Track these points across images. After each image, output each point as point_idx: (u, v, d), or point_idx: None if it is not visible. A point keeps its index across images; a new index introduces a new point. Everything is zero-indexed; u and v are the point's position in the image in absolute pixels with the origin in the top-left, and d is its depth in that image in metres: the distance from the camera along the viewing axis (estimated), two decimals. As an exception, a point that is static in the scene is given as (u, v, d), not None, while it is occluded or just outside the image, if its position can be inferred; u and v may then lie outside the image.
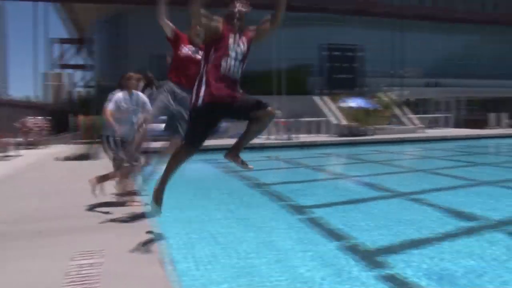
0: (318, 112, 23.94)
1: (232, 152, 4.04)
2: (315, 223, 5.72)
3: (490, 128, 27.48)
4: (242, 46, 3.88)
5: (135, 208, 5.55)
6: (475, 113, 33.65)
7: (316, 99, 25.39)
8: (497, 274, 3.94)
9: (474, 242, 4.87)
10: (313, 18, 31.40)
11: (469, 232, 5.28)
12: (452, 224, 5.63)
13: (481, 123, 28.44)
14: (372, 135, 22.06)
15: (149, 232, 4.49)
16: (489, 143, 21.24)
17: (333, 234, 5.19)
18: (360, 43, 29.15)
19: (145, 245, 4.01)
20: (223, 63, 3.79)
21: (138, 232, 4.48)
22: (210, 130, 3.95)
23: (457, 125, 29.57)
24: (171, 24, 4.95)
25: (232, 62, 3.83)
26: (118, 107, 5.68)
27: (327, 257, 4.42)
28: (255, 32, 4.03)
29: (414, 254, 4.44)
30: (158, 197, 4.06)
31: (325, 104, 25.13)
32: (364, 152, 17.71)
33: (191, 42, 4.92)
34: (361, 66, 29.01)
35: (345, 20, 31.92)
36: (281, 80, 23.62)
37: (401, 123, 25.17)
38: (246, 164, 4.01)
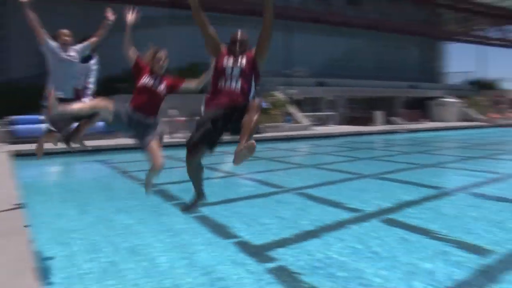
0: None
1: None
2: (204, 221, 6.13)
3: (374, 125, 30.26)
4: (242, 64, 4.13)
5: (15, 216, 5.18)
6: (358, 111, 36.70)
7: (212, 97, 25.82)
8: (376, 264, 4.71)
9: (355, 232, 5.56)
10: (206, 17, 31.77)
11: (349, 222, 6.02)
12: (335, 215, 6.39)
13: (365, 120, 31.18)
14: (262, 133, 23.16)
15: (23, 241, 4.23)
16: (370, 139, 23.48)
17: (222, 231, 5.70)
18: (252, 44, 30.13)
19: (19, 255, 3.80)
20: (220, 81, 4.16)
21: (12, 241, 4.22)
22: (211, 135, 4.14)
23: (342, 122, 32.07)
24: (133, 54, 4.97)
25: (228, 79, 4.12)
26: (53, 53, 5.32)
27: (217, 251, 4.94)
28: (256, 47, 4.24)
29: (298, 247, 4.99)
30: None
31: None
32: (258, 149, 18.56)
33: (152, 72, 4.92)
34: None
35: (236, 19, 32.81)
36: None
37: (295, 121, 26.70)
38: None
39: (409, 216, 6.30)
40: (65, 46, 5.36)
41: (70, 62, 5.41)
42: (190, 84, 5.05)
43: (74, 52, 5.51)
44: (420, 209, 6.70)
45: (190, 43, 30.64)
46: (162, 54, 4.89)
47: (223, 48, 4.27)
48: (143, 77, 4.77)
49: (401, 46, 42.96)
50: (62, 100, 4.86)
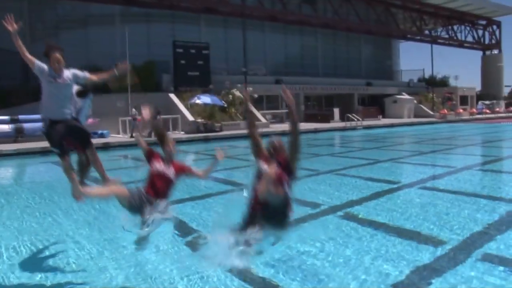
0: (174, 109, 24.12)
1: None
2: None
3: (331, 122, 30.76)
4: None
5: None
6: (315, 109, 37.21)
7: (172, 96, 25.56)
8: (338, 254, 4.73)
9: (316, 227, 5.61)
10: (162, 15, 31.35)
11: (311, 217, 6.07)
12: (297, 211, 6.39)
13: (322, 118, 31.64)
14: (219, 131, 23.11)
15: None
16: (328, 135, 23.82)
17: (184, 229, 5.61)
18: (208, 41, 29.97)
19: None
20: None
21: None
22: None
23: (299, 119, 32.36)
24: (144, 144, 5.29)
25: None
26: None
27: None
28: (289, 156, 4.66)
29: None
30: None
31: (181, 101, 25.41)
32: (218, 147, 18.48)
33: (163, 160, 5.12)
34: (211, 63, 29.85)
35: (193, 17, 32.53)
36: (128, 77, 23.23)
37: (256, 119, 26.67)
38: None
39: (368, 211, 6.38)
40: (57, 69, 5.07)
41: (62, 84, 5.11)
42: (198, 173, 5.50)
43: (66, 75, 5.20)
44: (376, 204, 6.79)
45: (146, 41, 30.13)
46: (170, 143, 5.27)
47: (264, 152, 4.87)
48: (155, 164, 5.07)
49: (356, 45, 43.90)
50: (55, 122, 4.71)
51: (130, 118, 21.55)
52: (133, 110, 21.63)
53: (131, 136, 21.18)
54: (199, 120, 23.62)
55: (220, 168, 12.29)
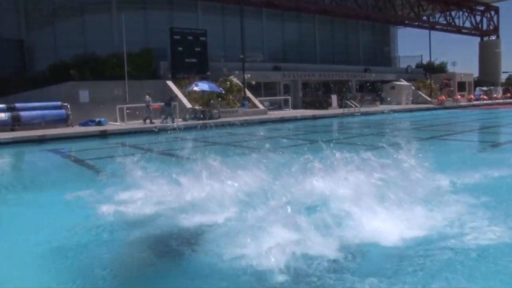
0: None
1: None
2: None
3: (329, 109, 30.62)
4: None
5: None
6: (313, 95, 37.03)
7: (170, 83, 25.36)
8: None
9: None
10: (159, 2, 31.00)
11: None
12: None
13: (320, 104, 31.50)
14: (217, 118, 22.99)
15: None
16: (326, 122, 23.72)
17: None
18: (205, 28, 29.67)
19: None
20: None
21: None
22: None
23: (297, 106, 32.26)
24: None
25: None
26: None
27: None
28: None
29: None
30: None
31: (179, 88, 25.22)
32: (215, 134, 18.43)
33: None
34: (209, 50, 29.60)
35: (190, 4, 32.17)
36: (125, 64, 23.05)
37: (253, 105, 26.59)
38: None
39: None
40: None
41: None
42: None
43: None
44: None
45: (143, 28, 29.81)
46: None
47: None
48: None
49: (354, 31, 43.57)
50: None
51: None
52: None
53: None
54: (197, 107, 23.48)
55: (217, 155, 12.26)
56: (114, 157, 13.03)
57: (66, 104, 20.60)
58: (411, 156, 6.12)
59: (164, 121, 21.16)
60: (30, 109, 19.52)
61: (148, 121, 21.20)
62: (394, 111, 29.91)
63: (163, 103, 21.80)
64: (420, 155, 6.27)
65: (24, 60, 25.82)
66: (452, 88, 40.22)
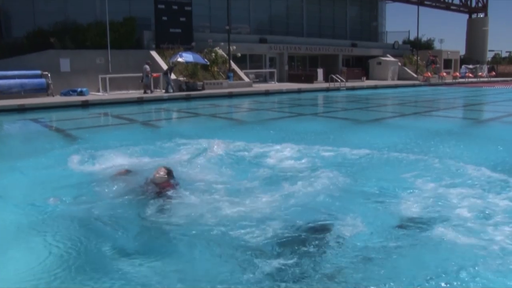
0: (156, 67, 23.67)
1: None
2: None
3: (315, 83, 30.65)
4: None
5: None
6: (299, 69, 37.00)
7: (153, 53, 25.03)
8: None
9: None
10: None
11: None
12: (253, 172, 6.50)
13: (306, 78, 31.50)
14: (201, 89, 22.90)
15: None
16: (311, 96, 23.81)
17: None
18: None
19: None
20: None
21: None
22: None
23: (283, 79, 32.25)
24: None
25: None
26: None
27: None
28: None
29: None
30: None
31: (163, 59, 24.91)
32: (199, 106, 18.44)
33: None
34: (194, 20, 29.21)
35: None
36: (108, 33, 22.64)
37: (239, 78, 26.49)
38: None
39: (349, 172, 6.49)
40: None
41: None
42: None
43: None
44: (351, 165, 6.89)
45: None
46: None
47: None
48: None
49: (341, 5, 43.27)
50: None
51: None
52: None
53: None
54: (181, 79, 23.32)
55: (203, 127, 12.34)
56: (96, 127, 13.04)
57: (47, 73, 20.20)
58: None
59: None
60: (8, 78, 19.12)
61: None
62: (380, 86, 30.13)
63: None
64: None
65: (1, 28, 25.18)
66: (438, 65, 40.49)
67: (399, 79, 37.07)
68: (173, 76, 23.20)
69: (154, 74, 21.92)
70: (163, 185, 5.04)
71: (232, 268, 3.35)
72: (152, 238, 4.01)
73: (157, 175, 5.21)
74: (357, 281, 3.17)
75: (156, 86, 22.32)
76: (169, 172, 5.33)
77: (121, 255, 3.65)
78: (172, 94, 21.10)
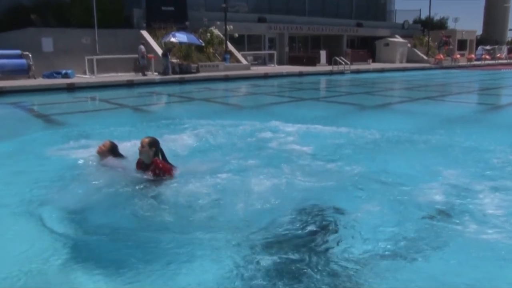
0: (147, 48, 23.57)
1: None
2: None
3: (318, 65, 30.60)
4: None
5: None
6: (301, 50, 36.90)
7: (144, 33, 24.91)
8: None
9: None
10: None
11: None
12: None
13: (308, 60, 31.44)
14: (196, 72, 22.89)
15: None
16: (313, 79, 23.79)
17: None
18: None
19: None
20: None
21: None
22: None
23: (284, 62, 32.20)
24: None
25: None
26: None
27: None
28: None
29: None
30: None
31: (154, 39, 24.81)
32: (193, 90, 18.45)
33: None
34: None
35: None
36: (94, 10, 22.49)
37: (236, 60, 26.44)
38: None
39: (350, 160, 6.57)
40: None
41: None
42: None
43: None
44: (359, 153, 6.97)
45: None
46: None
47: None
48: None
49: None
50: None
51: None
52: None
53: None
54: (174, 60, 23.25)
55: (198, 112, 12.36)
56: (83, 113, 13.06)
57: (27, 53, 20.07)
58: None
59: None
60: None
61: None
62: (387, 69, 30.12)
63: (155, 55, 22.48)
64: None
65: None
66: (451, 47, 40.38)
67: (408, 61, 37.01)
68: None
69: (150, 56, 21.94)
70: (157, 170, 5.11)
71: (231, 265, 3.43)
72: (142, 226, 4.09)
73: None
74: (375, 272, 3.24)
75: (147, 69, 22.31)
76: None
77: (104, 244, 3.76)
78: (164, 77, 21.12)
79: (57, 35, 22.32)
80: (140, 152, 5.20)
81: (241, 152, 6.52)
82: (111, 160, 5.47)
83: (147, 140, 5.22)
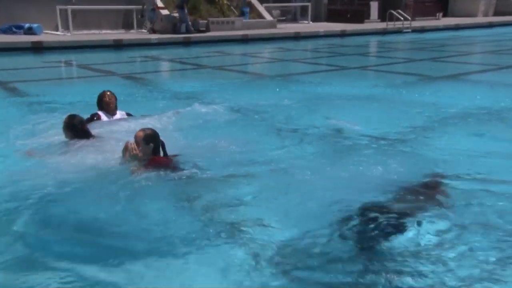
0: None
1: None
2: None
3: (367, 22, 30.19)
4: None
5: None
6: (344, 2, 36.43)
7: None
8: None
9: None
10: None
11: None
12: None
13: (354, 15, 30.99)
14: (205, 31, 22.81)
15: None
16: (361, 41, 23.52)
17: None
18: None
19: None
20: None
21: None
22: None
23: (320, 18, 31.86)
24: None
25: None
26: None
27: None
28: None
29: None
30: None
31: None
32: (202, 54, 18.39)
33: None
34: None
35: None
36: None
37: (258, 15, 26.29)
38: None
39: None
40: None
41: None
42: None
43: None
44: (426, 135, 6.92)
45: None
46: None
47: None
48: None
49: None
50: None
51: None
52: None
53: (153, 31, 21.84)
54: (175, 15, 23.17)
55: (207, 84, 12.30)
56: (53, 81, 13.05)
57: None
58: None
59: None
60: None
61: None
62: (464, 26, 29.54)
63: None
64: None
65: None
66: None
67: (496, 14, 36.16)
68: (165, 11, 23.07)
69: (158, 7, 22.09)
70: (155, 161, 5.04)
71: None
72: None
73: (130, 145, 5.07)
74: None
75: (140, 25, 22.21)
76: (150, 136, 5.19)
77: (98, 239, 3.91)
78: (163, 36, 21.11)
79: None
80: (132, 154, 4.94)
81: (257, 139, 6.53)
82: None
83: (141, 134, 4.98)
